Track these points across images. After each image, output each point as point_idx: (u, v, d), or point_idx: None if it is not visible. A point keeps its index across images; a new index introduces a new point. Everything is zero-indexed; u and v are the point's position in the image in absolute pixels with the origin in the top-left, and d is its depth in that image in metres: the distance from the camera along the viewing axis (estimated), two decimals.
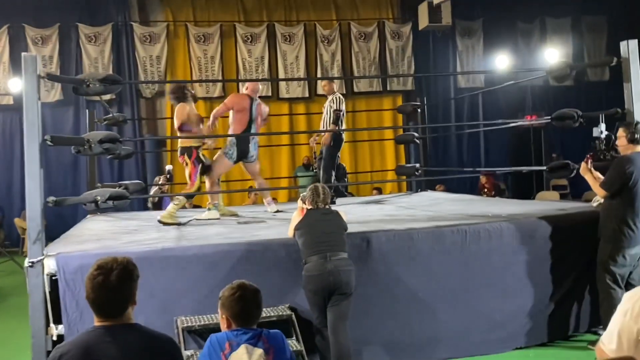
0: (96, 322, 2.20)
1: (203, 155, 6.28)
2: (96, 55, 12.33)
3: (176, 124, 6.12)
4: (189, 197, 6.61)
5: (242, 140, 6.24)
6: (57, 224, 8.61)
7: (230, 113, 6.42)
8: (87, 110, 8.22)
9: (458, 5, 12.87)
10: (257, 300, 2.61)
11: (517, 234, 4.60)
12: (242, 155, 6.33)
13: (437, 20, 12.94)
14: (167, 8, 12.77)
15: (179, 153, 6.25)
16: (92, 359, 2.08)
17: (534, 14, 14.21)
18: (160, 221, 5.80)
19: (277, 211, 6.58)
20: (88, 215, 7.21)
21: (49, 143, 3.99)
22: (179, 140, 6.26)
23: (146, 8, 12.67)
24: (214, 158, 6.51)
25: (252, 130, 6.32)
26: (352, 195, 10.83)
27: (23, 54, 3.98)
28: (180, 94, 6.17)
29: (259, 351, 2.51)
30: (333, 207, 4.40)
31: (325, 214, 4.19)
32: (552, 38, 14.17)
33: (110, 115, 7.51)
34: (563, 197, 11.26)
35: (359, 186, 12.57)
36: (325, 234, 4.06)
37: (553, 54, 12.41)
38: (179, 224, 5.76)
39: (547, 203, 6.52)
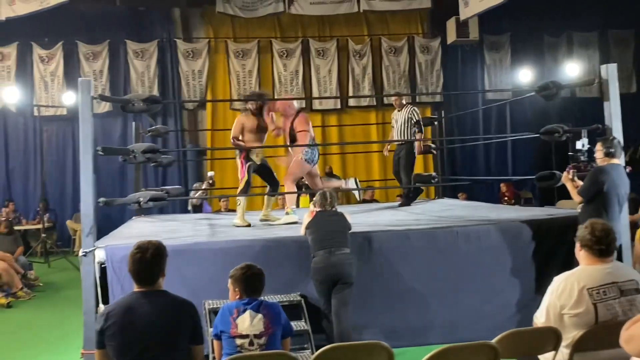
0: (135, 289, 2.94)
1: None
2: (143, 70, 13.28)
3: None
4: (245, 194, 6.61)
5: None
6: (106, 224, 9.47)
7: (286, 130, 6.80)
8: (133, 122, 9.08)
9: (486, 21, 13.35)
10: (260, 278, 3.33)
11: (503, 236, 5.18)
12: (318, 158, 6.88)
13: (464, 35, 13.49)
14: (209, 25, 13.66)
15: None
16: (131, 315, 2.82)
17: (561, 28, 14.58)
18: (234, 225, 6.36)
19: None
20: (133, 217, 8.06)
21: (100, 153, 4.79)
22: None
23: (189, 26, 13.57)
24: (291, 164, 6.69)
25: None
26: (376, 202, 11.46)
27: (79, 79, 4.79)
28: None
29: (259, 315, 3.24)
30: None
31: (331, 215, 4.90)
32: (579, 52, 14.54)
33: (154, 127, 8.34)
34: None
35: (388, 193, 13.15)
36: (331, 232, 4.76)
37: (574, 69, 12.79)
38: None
39: (542, 210, 7.04)
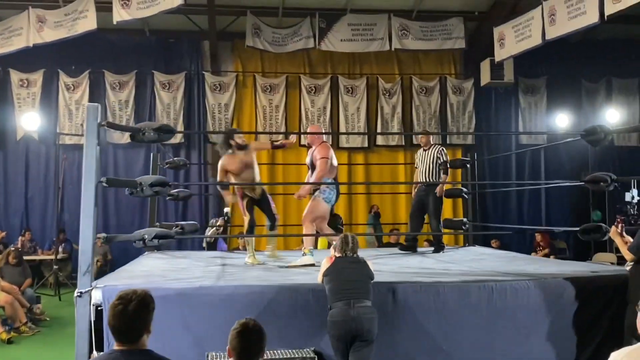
0: (115, 347, 2.50)
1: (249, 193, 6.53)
2: (169, 102, 13.09)
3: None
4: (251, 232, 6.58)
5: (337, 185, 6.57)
6: (122, 258, 9.14)
7: (309, 161, 6.61)
8: (151, 154, 8.77)
9: (521, 63, 12.98)
10: (256, 338, 2.83)
11: (543, 294, 4.63)
12: (337, 198, 6.56)
13: (499, 78, 13.10)
14: (238, 59, 13.48)
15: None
16: None
17: (600, 74, 14.13)
18: (247, 264, 6.25)
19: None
20: (146, 252, 7.66)
21: (104, 184, 4.41)
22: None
23: (218, 59, 13.39)
24: (309, 204, 6.46)
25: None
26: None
27: (87, 104, 4.46)
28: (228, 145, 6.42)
29: None
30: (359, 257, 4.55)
31: (352, 262, 4.41)
32: (618, 98, 14.01)
33: (172, 159, 8.01)
34: (621, 259, 10.96)
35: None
36: (350, 281, 4.27)
37: (614, 115, 12.26)
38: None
39: (584, 265, 6.45)
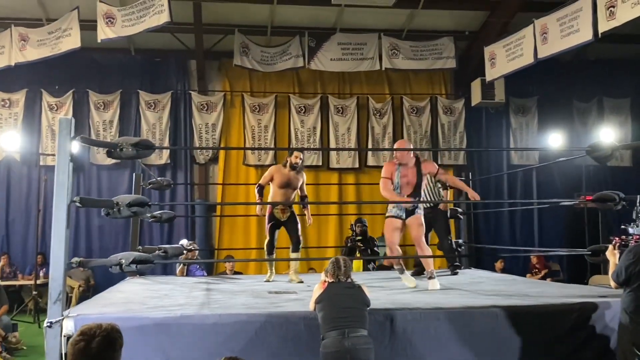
0: None
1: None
2: (154, 122, 12.78)
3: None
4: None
5: None
6: (106, 283, 8.72)
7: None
8: (134, 174, 8.44)
9: (512, 83, 12.83)
10: None
11: (551, 320, 4.34)
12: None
13: (490, 97, 12.95)
14: (225, 78, 13.20)
15: None
16: None
17: (591, 94, 14.01)
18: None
19: None
20: (127, 277, 7.29)
21: (77, 204, 4.08)
22: None
23: (205, 78, 13.11)
24: (416, 225, 6.21)
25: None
26: None
27: (60, 117, 4.16)
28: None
29: None
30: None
31: (346, 287, 4.10)
32: (610, 118, 13.89)
33: (154, 180, 7.68)
34: None
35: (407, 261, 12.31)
36: (345, 309, 3.95)
37: (609, 134, 12.10)
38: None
39: (593, 289, 6.16)
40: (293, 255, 6.77)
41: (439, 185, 7.39)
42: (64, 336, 3.91)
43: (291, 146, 12.90)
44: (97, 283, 11.56)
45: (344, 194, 13.14)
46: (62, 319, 3.94)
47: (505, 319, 4.27)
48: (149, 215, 6.98)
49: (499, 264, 11.48)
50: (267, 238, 6.71)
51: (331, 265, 4.21)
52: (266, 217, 6.79)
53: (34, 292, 10.36)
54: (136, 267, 4.13)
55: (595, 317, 4.49)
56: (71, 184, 4.07)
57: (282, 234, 7.09)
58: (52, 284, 3.98)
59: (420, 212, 6.20)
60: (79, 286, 11.30)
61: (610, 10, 8.85)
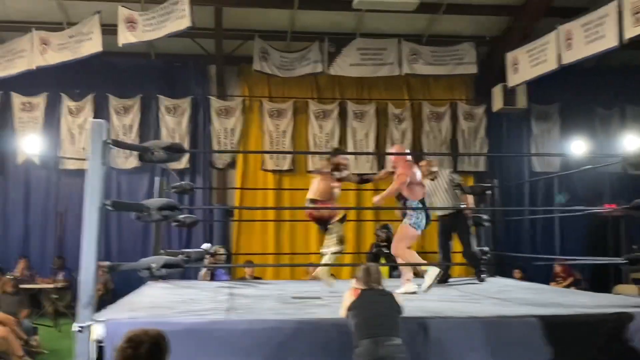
0: None
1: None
2: (174, 126, 12.77)
3: None
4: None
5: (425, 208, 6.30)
6: (124, 287, 8.66)
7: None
8: (155, 178, 8.39)
9: (534, 89, 12.69)
10: None
11: (587, 329, 4.23)
12: (428, 222, 6.26)
13: (511, 104, 12.77)
14: (245, 84, 13.18)
15: None
16: None
17: (614, 101, 13.82)
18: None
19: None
20: (148, 282, 7.23)
21: (109, 208, 4.04)
22: None
23: (224, 83, 13.10)
24: (398, 231, 6.35)
25: None
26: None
27: (91, 120, 4.11)
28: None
29: None
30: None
31: (379, 295, 4.02)
32: (633, 126, 13.68)
33: (178, 183, 7.65)
34: None
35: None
36: (379, 316, 3.87)
37: (633, 142, 11.93)
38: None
39: (622, 298, 6.03)
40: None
41: (458, 191, 7.28)
42: (94, 341, 3.86)
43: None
44: (116, 287, 11.53)
45: (362, 198, 13.03)
46: (92, 324, 3.88)
47: (542, 328, 4.17)
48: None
49: (517, 273, 11.31)
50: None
51: (362, 273, 4.12)
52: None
53: (54, 296, 10.33)
54: (167, 271, 4.08)
55: (632, 327, 4.38)
56: (103, 188, 4.02)
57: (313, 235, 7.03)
58: (83, 288, 3.94)
59: (406, 222, 6.16)
60: (98, 290, 11.22)
61: (637, 17, 8.75)
